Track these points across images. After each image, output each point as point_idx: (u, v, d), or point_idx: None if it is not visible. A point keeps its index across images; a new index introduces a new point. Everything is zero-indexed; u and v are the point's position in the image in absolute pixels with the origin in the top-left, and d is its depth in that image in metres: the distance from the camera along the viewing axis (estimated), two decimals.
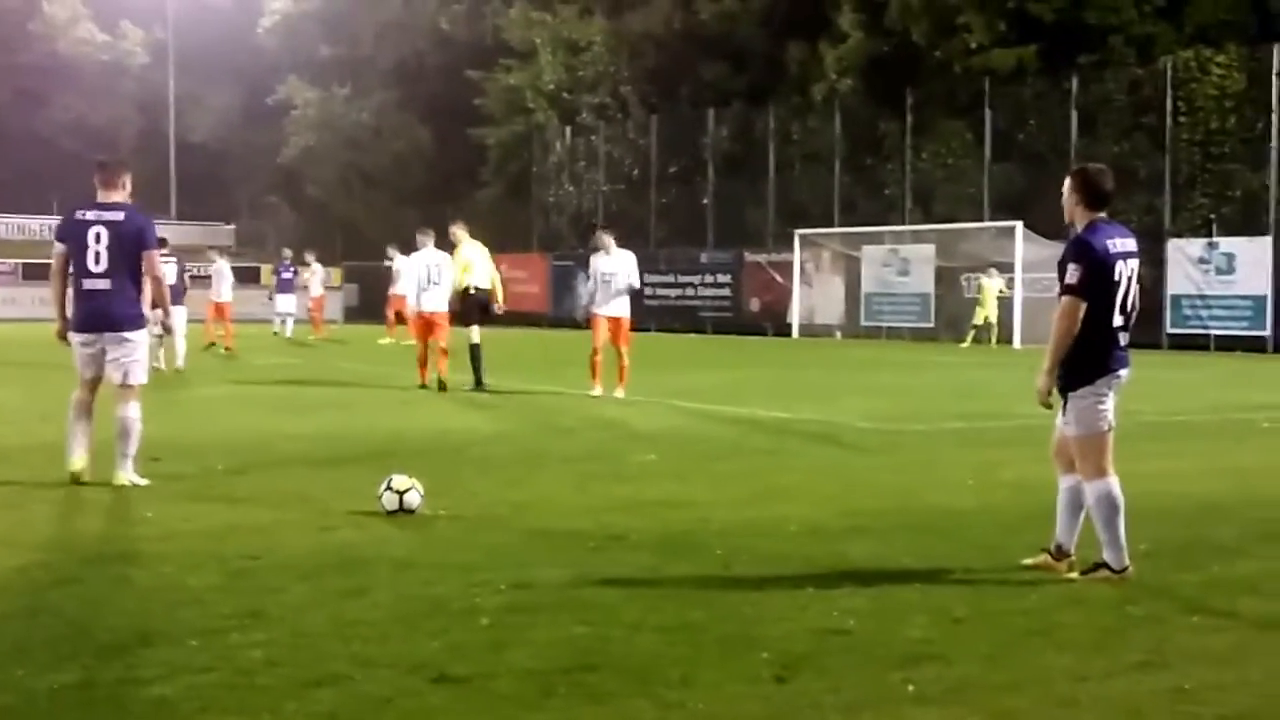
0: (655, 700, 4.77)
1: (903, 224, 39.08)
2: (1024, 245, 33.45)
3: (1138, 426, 11.92)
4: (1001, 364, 25.52)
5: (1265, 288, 31.61)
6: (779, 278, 40.61)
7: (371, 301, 44.42)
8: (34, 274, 41.56)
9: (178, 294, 19.31)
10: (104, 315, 9.37)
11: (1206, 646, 5.60)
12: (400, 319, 28.66)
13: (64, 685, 4.86)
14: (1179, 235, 33.47)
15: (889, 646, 5.48)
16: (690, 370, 23.78)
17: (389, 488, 8.22)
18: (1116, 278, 6.67)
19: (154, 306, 10.49)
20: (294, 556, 7.08)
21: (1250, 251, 31.97)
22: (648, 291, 33.41)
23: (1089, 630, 5.83)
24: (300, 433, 13.04)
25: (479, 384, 17.72)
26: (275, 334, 33.23)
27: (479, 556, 7.14)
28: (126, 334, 9.43)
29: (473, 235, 18.60)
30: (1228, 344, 31.77)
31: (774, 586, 6.57)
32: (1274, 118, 32.49)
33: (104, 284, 9.32)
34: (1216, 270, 32.46)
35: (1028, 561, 6.96)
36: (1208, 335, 32.49)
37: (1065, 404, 6.78)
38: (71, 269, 9.44)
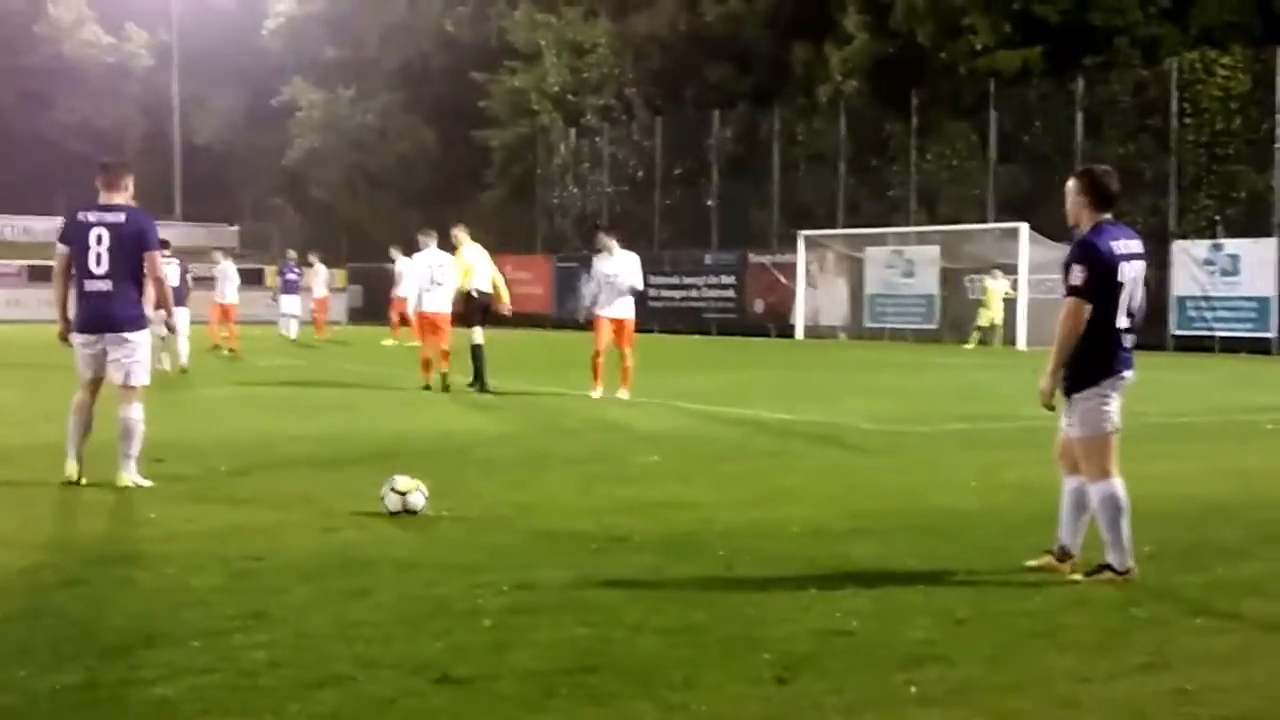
0: (657, 701, 4.77)
1: (907, 225, 39.05)
2: (1029, 247, 33.38)
3: (1142, 428, 11.90)
4: (1005, 366, 25.48)
5: (1270, 289, 31.54)
6: (783, 279, 40.57)
7: (376, 303, 44.44)
8: (39, 276, 41.61)
9: (180, 295, 19.36)
10: (105, 316, 9.39)
11: (1210, 648, 5.59)
12: (404, 320, 28.66)
13: (66, 686, 4.87)
14: (1184, 237, 33.43)
15: (891, 648, 5.48)
16: (694, 371, 23.78)
17: (392, 489, 8.22)
18: (1121, 279, 6.66)
19: (157, 308, 10.51)
20: (297, 557, 7.09)
21: (1255, 253, 31.90)
22: (652, 293, 33.35)
23: (1092, 632, 5.82)
24: (304, 434, 13.05)
25: (481, 385, 17.73)
26: (290, 338, 32.98)
27: (482, 557, 7.14)
28: (127, 334, 9.44)
29: (476, 237, 18.66)
30: (1232, 345, 31.69)
31: (777, 588, 6.57)
32: (1279, 119, 32.46)
33: (105, 285, 9.35)
34: (1221, 272, 32.40)
35: (1031, 563, 6.96)
36: (1213, 337, 32.41)
37: (1070, 405, 6.77)
38: (73, 270, 9.46)
